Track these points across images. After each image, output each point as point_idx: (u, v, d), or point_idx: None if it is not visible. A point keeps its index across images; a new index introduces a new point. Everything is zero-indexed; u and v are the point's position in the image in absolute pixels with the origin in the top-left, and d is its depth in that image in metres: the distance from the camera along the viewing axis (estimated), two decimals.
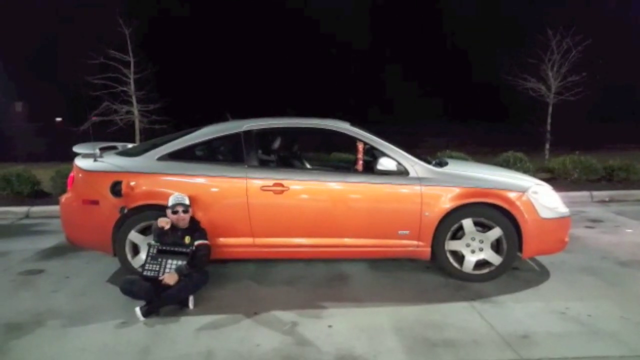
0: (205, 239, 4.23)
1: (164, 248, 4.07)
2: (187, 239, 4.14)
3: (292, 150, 5.70)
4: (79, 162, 4.70)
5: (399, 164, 4.47)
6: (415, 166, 4.49)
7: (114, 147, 5.23)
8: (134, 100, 10.70)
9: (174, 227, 4.16)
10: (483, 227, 4.47)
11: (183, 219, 4.15)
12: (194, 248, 4.12)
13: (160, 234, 4.12)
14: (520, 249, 4.44)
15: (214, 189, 4.47)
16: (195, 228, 4.23)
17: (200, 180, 4.47)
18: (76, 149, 4.87)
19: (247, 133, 4.65)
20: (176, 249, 4.08)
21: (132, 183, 4.40)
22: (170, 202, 4.15)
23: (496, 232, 4.42)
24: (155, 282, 3.93)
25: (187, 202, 4.19)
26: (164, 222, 4.08)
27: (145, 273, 4.00)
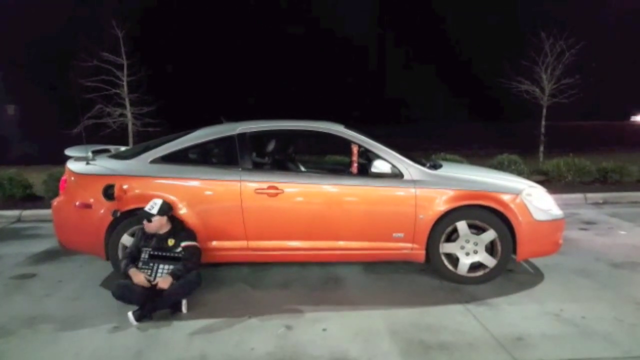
0: (193, 240, 4.20)
1: (156, 253, 4.05)
2: (171, 242, 4.12)
3: (286, 153, 5.68)
4: (72, 165, 4.67)
5: (394, 166, 4.47)
6: (410, 169, 4.49)
7: (107, 150, 5.20)
8: (127, 102, 10.67)
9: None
10: (477, 229, 4.47)
11: (148, 227, 4.12)
12: (181, 250, 4.11)
13: (145, 238, 4.12)
14: (514, 251, 4.45)
15: (207, 192, 4.45)
16: (178, 229, 4.21)
17: (193, 183, 4.45)
18: (69, 152, 4.84)
19: (241, 136, 4.63)
20: (168, 253, 4.06)
21: (125, 186, 4.38)
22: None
23: (490, 235, 4.42)
24: (148, 286, 3.90)
25: (154, 210, 4.10)
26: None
27: None
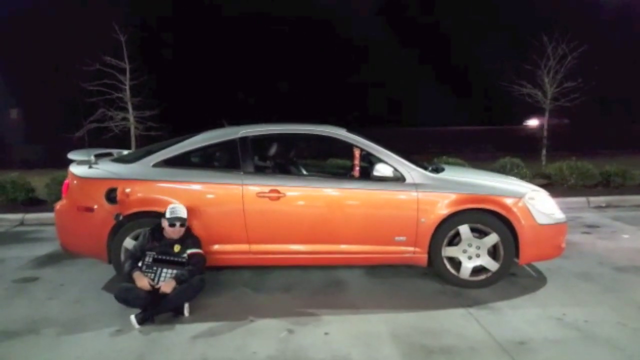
0: (199, 247, 4.21)
1: (160, 257, 4.05)
2: (177, 248, 4.13)
3: (288, 157, 5.68)
4: (74, 168, 4.68)
5: (396, 170, 4.47)
6: (412, 172, 4.49)
7: (110, 154, 5.21)
8: (129, 106, 10.69)
9: (163, 235, 4.16)
10: (480, 233, 4.47)
11: (178, 232, 4.14)
12: (186, 256, 4.11)
13: (150, 241, 4.12)
14: (517, 255, 4.43)
15: (209, 196, 4.45)
16: (186, 236, 4.22)
17: (195, 187, 4.45)
18: (71, 155, 4.85)
19: (243, 139, 4.64)
20: (172, 258, 4.06)
21: (127, 190, 4.38)
22: (169, 214, 4.11)
23: (493, 238, 4.41)
24: (150, 289, 3.90)
25: (185, 215, 4.16)
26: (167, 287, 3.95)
27: None
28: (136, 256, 4.08)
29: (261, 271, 5.00)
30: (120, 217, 4.36)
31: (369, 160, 4.77)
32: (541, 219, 4.41)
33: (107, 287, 4.61)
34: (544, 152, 11.77)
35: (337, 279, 4.81)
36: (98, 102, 10.52)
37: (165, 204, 4.24)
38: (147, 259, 4.05)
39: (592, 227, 6.94)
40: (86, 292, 4.54)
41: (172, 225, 4.10)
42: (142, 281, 3.90)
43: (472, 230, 4.44)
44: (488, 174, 5.47)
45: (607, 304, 4.09)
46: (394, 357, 3.27)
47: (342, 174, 5.49)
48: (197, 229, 4.36)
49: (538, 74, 11.46)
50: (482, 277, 4.49)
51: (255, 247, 4.50)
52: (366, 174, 4.62)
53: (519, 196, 4.43)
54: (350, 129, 4.89)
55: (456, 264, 4.51)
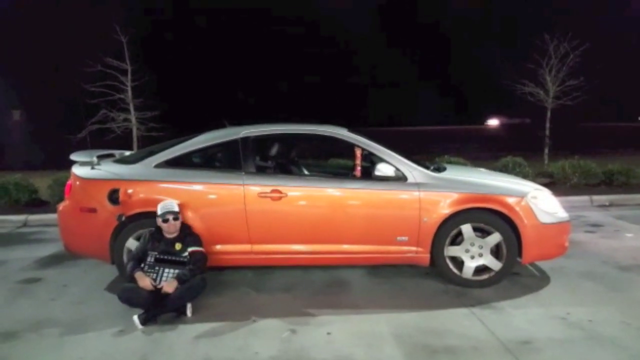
0: (199, 245, 4.21)
1: (162, 257, 4.06)
2: (178, 246, 4.13)
3: (289, 157, 5.68)
4: (77, 170, 4.68)
5: (397, 169, 4.46)
6: (414, 172, 4.48)
7: (112, 155, 5.21)
8: (131, 107, 10.71)
9: (163, 234, 4.16)
10: (482, 232, 4.45)
11: (174, 226, 4.14)
12: (187, 255, 4.11)
13: (151, 242, 4.12)
14: (520, 254, 4.42)
15: (211, 196, 4.46)
16: (185, 234, 4.22)
17: (197, 187, 4.46)
18: (74, 156, 4.86)
19: (245, 140, 4.64)
20: (174, 258, 4.07)
21: (130, 190, 4.39)
22: (160, 211, 4.13)
23: (496, 238, 4.40)
24: (153, 290, 3.90)
25: (176, 209, 4.17)
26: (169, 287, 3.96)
27: None
28: (138, 257, 4.09)
29: (263, 271, 5.00)
30: (123, 218, 4.37)
31: (371, 160, 4.77)
32: (544, 218, 4.39)
33: (110, 288, 4.62)
34: (546, 150, 11.76)
35: (339, 279, 4.80)
36: (100, 103, 10.54)
37: None
38: (149, 259, 4.06)
39: (595, 226, 6.93)
40: (89, 293, 4.55)
41: (165, 220, 4.11)
42: (144, 281, 3.91)
43: (475, 229, 4.43)
44: (490, 173, 5.46)
45: (611, 304, 4.08)
46: (397, 357, 3.26)
47: (344, 173, 5.49)
48: (199, 229, 4.36)
49: (540, 73, 11.45)
50: (485, 276, 4.48)
51: (257, 247, 4.50)
52: (368, 174, 4.62)
53: (522, 195, 4.42)
54: (352, 129, 4.89)
55: (459, 263, 4.50)
